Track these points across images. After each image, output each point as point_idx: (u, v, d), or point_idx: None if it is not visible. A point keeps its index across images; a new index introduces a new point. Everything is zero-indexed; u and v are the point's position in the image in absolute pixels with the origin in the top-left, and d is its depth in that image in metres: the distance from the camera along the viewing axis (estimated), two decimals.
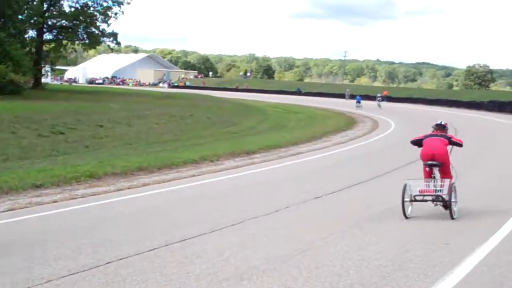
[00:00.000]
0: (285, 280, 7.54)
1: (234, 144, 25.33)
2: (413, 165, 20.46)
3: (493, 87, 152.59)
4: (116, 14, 71.04)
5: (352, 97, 79.21)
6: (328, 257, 8.61)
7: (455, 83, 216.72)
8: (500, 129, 40.12)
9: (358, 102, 66.11)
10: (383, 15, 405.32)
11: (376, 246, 9.25)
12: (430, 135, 12.64)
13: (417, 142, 12.71)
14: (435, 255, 8.77)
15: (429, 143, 12.40)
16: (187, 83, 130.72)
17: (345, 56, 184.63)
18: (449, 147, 12.60)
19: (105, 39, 72.32)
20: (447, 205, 11.91)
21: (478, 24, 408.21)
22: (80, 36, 70.91)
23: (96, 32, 70.76)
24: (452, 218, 11.70)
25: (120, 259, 8.42)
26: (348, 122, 42.53)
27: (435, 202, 12.14)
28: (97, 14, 70.33)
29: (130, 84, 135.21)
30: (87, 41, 71.50)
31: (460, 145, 12.80)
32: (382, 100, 73.30)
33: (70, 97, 54.67)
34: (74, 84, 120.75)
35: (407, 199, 11.92)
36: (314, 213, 12.15)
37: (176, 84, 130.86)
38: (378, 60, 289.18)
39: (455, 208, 11.94)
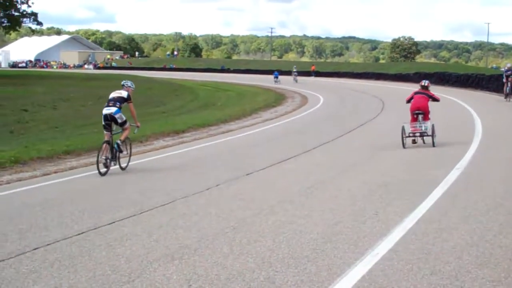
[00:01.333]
0: (216, 257, 7.50)
1: (163, 124, 25.09)
2: (341, 139, 20.75)
3: (418, 59, 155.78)
4: None
5: (299, 74, 71.66)
6: (260, 233, 8.61)
7: (381, 56, 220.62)
8: None
9: (276, 77, 66.28)
10: None
11: (306, 220, 9.29)
12: (417, 92, 18.15)
13: (409, 100, 18.10)
14: (364, 226, 8.86)
15: (416, 99, 17.91)
16: (113, 64, 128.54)
17: (271, 33, 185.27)
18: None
19: (25, 20, 70.21)
20: (429, 137, 17.31)
21: None
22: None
23: (16, 14, 68.64)
24: (434, 145, 17.13)
25: (48, 244, 8.22)
26: (277, 98, 42.71)
27: (422, 137, 17.64)
28: None
29: (55, 67, 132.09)
30: (7, 24, 69.32)
31: (437, 100, 18.46)
32: (300, 74, 71.73)
33: None
34: None
35: (405, 135, 17.33)
36: (245, 190, 12.12)
37: (99, 66, 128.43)
38: (305, 36, 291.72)
39: (435, 139, 17.31)
